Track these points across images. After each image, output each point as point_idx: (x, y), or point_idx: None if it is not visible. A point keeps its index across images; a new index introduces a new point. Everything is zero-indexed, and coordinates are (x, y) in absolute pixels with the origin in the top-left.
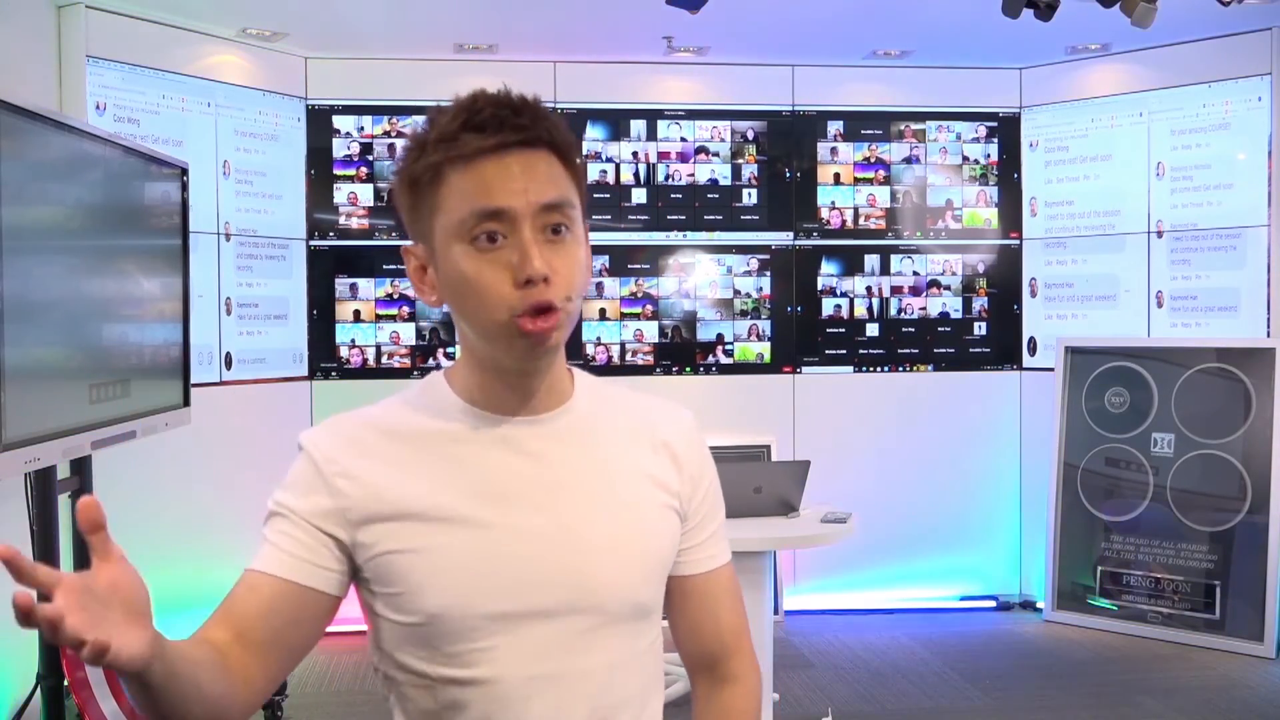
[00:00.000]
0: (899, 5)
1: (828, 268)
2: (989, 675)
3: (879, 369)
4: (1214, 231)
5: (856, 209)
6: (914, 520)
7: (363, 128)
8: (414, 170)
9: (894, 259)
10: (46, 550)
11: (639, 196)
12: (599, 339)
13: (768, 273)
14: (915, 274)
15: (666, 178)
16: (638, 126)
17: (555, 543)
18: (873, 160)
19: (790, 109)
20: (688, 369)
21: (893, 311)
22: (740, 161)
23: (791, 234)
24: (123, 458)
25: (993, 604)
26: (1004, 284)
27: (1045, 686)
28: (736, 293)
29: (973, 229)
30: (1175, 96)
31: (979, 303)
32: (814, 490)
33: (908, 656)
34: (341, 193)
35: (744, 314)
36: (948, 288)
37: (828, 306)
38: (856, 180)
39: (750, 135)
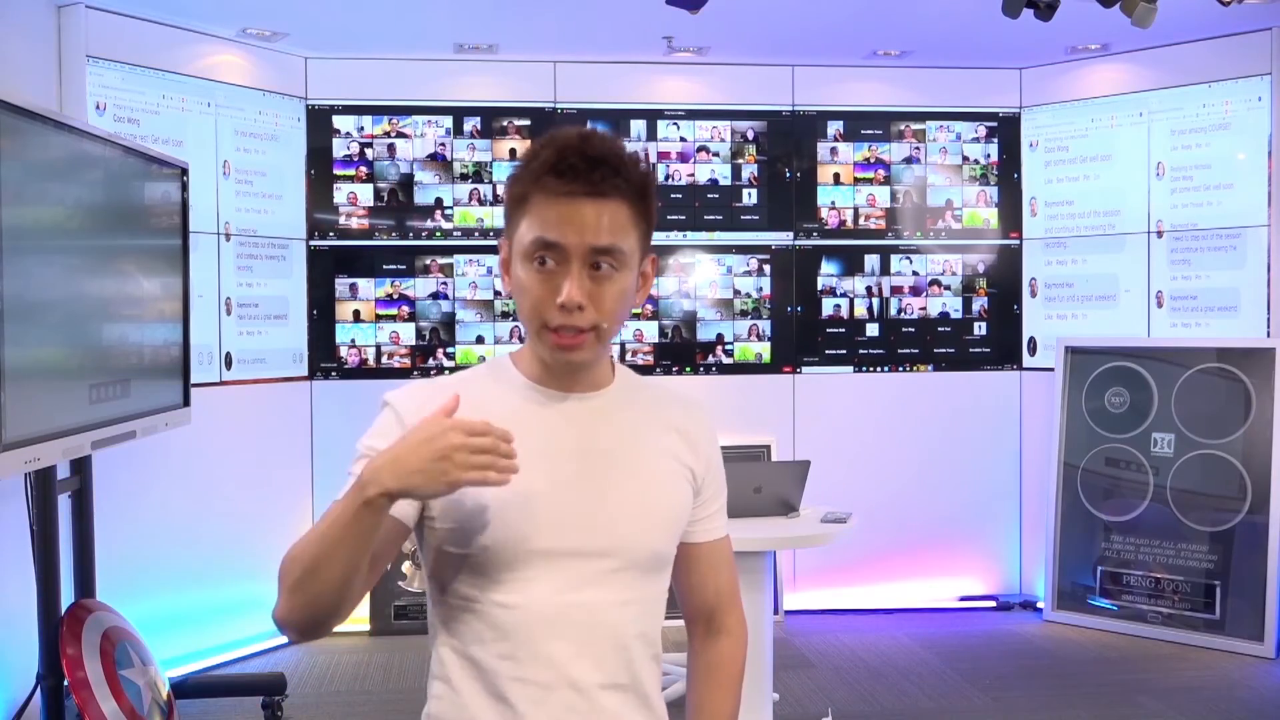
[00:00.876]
0: (899, 5)
1: (828, 268)
2: (989, 675)
3: (879, 369)
4: (1214, 231)
5: (856, 209)
6: (914, 520)
7: (363, 128)
8: (513, 190)
9: (894, 259)
10: (46, 550)
11: None
12: None
13: (767, 273)
14: (915, 274)
15: (667, 177)
16: (638, 126)
17: (591, 497)
18: (873, 160)
19: (790, 109)
20: (688, 369)
21: (893, 311)
22: (740, 161)
23: (791, 234)
24: (123, 458)
25: (993, 604)
26: (1004, 284)
27: (1045, 686)
28: (736, 293)
29: (973, 229)
30: (1175, 96)
31: (979, 303)
32: (814, 490)
33: (908, 656)
34: (341, 193)
35: (744, 314)
36: (948, 288)
37: (828, 306)
38: (856, 180)
39: (750, 135)
